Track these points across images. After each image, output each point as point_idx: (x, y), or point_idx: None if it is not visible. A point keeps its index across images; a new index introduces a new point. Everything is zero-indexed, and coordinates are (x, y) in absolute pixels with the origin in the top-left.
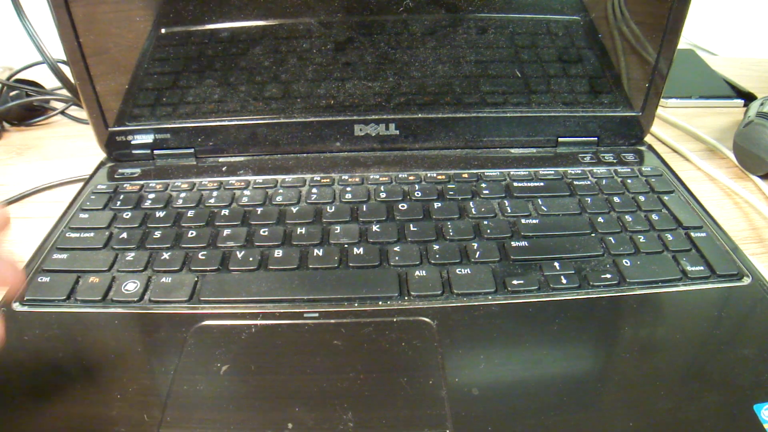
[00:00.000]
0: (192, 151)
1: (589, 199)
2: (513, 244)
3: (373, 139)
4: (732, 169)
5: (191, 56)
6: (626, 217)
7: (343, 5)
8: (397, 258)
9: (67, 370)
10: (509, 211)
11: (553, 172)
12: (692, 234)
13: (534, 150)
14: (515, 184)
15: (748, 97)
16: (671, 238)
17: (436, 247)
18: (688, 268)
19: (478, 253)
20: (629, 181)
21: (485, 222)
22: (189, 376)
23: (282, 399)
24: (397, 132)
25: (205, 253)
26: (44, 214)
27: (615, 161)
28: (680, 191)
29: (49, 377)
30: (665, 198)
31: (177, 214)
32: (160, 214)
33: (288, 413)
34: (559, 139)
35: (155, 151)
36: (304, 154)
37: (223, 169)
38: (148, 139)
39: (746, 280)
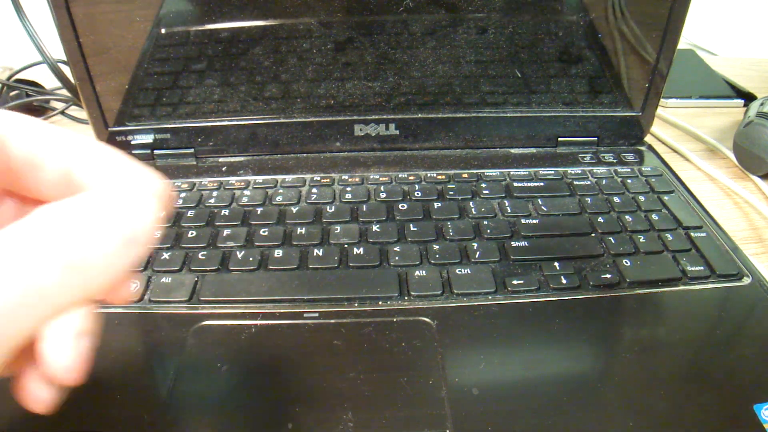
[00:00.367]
0: (192, 151)
1: (589, 199)
2: (513, 244)
3: (373, 139)
4: (732, 169)
5: (191, 56)
6: (626, 217)
7: (343, 5)
8: (397, 258)
9: None
10: (509, 211)
11: (553, 172)
12: (692, 234)
13: (534, 150)
14: (515, 184)
15: (748, 97)
16: (671, 238)
17: (436, 247)
18: (688, 268)
19: (478, 253)
20: (629, 181)
21: (485, 222)
22: (189, 376)
23: (282, 399)
24: (397, 132)
25: (205, 253)
26: None
27: (615, 161)
28: (680, 191)
29: None
30: (665, 198)
31: (177, 213)
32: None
33: (288, 413)
34: (559, 139)
35: (155, 151)
36: (304, 154)
37: (223, 169)
38: (148, 139)
39: (746, 280)
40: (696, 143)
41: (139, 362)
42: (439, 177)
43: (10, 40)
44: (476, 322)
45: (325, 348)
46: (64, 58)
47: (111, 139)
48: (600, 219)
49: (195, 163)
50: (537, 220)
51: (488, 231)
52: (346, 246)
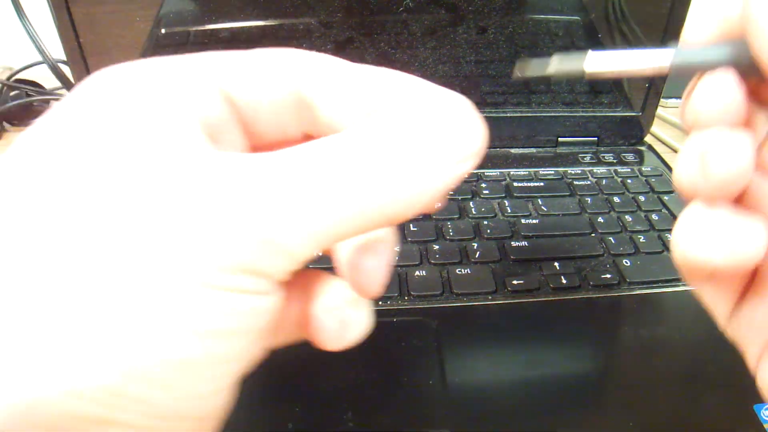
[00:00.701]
0: None
1: (589, 199)
2: (513, 244)
3: None
4: None
5: None
6: (626, 217)
7: (343, 5)
8: (396, 258)
9: None
10: (509, 211)
11: (553, 172)
12: None
13: (534, 150)
14: (515, 183)
15: None
16: (671, 238)
17: (436, 247)
18: None
19: (477, 253)
20: (629, 181)
21: (485, 222)
22: None
23: (282, 399)
24: None
25: None
26: None
27: (615, 161)
28: None
29: None
30: (665, 198)
31: None
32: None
33: (287, 413)
34: (559, 138)
35: None
36: None
37: None
38: None
39: None
40: None
41: None
42: None
43: (10, 40)
44: (476, 322)
45: None
46: (64, 58)
47: None
48: (600, 219)
49: None
50: (537, 220)
51: (488, 231)
52: None
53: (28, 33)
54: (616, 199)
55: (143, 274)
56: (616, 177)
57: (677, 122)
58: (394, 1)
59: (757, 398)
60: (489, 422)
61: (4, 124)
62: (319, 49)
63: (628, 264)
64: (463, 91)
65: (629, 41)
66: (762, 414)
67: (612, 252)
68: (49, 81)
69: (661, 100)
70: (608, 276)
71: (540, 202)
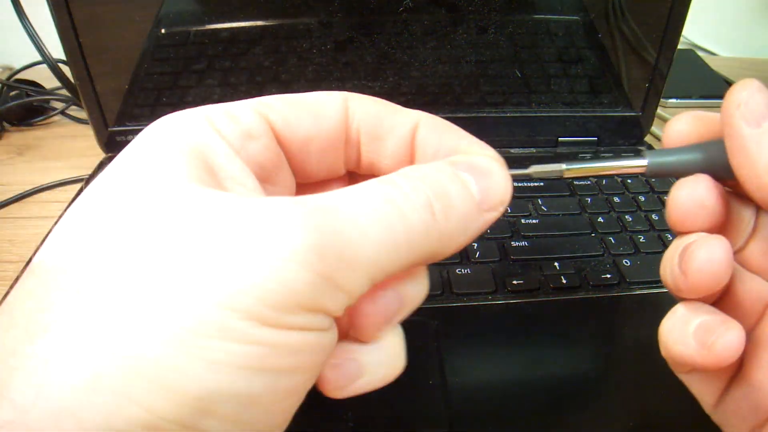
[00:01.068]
0: None
1: (589, 199)
2: (513, 243)
3: None
4: None
5: (191, 56)
6: (626, 217)
7: (343, 5)
8: None
9: None
10: (509, 210)
11: None
12: None
13: (534, 150)
14: (515, 183)
15: None
16: (671, 238)
17: None
18: None
19: (477, 253)
20: (629, 181)
21: None
22: None
23: None
24: None
25: None
26: (44, 214)
27: None
28: None
29: None
30: (665, 198)
31: None
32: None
33: None
34: (559, 138)
35: None
36: None
37: None
38: None
39: None
40: None
41: None
42: None
43: (10, 40)
44: (476, 322)
45: None
46: (64, 58)
47: (111, 139)
48: (600, 219)
49: None
50: (537, 220)
51: (488, 231)
52: None
53: (28, 33)
54: (616, 198)
55: (212, 315)
56: (615, 177)
57: None
58: (394, 1)
59: None
60: (489, 422)
61: (4, 124)
62: (319, 49)
63: (628, 264)
64: (463, 91)
65: (629, 41)
66: None
67: (612, 252)
68: (49, 81)
69: (661, 100)
70: (608, 276)
71: (540, 202)
